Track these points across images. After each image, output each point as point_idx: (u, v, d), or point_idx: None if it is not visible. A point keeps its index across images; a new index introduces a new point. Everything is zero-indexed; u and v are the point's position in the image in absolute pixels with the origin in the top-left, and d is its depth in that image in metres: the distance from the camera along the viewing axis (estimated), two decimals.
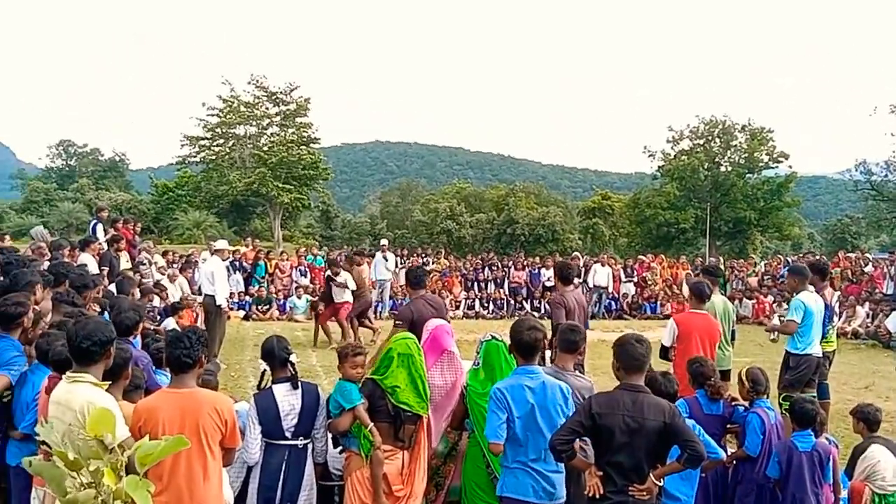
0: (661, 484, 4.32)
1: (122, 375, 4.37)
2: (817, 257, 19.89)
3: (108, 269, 10.95)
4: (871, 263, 19.95)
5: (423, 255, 24.47)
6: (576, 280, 8.77)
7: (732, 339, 8.37)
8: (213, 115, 49.91)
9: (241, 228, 57.49)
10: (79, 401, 3.80)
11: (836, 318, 9.03)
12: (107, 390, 4.18)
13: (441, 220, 57.67)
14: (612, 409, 4.24)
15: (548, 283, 21.70)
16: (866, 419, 6.34)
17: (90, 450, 2.23)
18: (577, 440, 4.36)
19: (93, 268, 10.29)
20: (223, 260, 12.78)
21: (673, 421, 4.21)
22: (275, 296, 19.83)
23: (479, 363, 5.52)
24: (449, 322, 7.06)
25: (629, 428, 4.19)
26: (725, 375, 7.42)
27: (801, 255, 31.20)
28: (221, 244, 13.23)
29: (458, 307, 20.82)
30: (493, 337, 5.56)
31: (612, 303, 21.93)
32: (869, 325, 16.26)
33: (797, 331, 7.85)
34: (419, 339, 5.72)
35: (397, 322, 7.39)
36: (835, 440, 5.65)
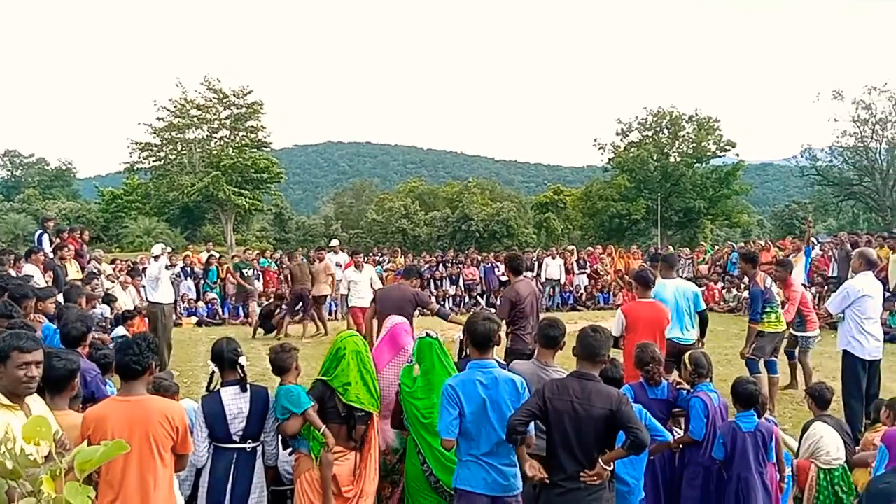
0: (610, 469, 4.41)
1: (67, 387, 4.32)
2: (751, 246, 20.44)
3: (52, 278, 10.76)
4: (817, 247, 20.33)
5: (379, 255, 24.41)
6: (528, 273, 9.02)
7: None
8: (162, 119, 49.27)
9: (192, 234, 56.91)
10: None
11: (776, 300, 9.36)
12: (52, 401, 4.16)
13: (396, 220, 57.65)
14: (561, 394, 4.36)
15: (503, 279, 21.91)
16: (814, 396, 6.58)
17: (26, 458, 2.22)
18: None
19: (38, 278, 10.13)
20: (165, 265, 12.62)
21: (619, 408, 4.31)
22: (229, 300, 19.65)
23: (411, 360, 5.56)
24: (414, 310, 7.81)
25: (577, 414, 4.31)
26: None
27: (748, 241, 31.82)
28: (157, 249, 13.09)
29: None
30: (428, 334, 5.59)
31: (570, 295, 22.15)
32: (816, 308, 16.68)
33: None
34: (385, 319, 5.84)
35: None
36: (774, 420, 5.79)
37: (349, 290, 14.67)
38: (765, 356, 9.28)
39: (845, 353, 7.97)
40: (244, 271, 19.09)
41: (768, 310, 9.16)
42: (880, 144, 49.87)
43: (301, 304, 16.06)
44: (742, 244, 24.57)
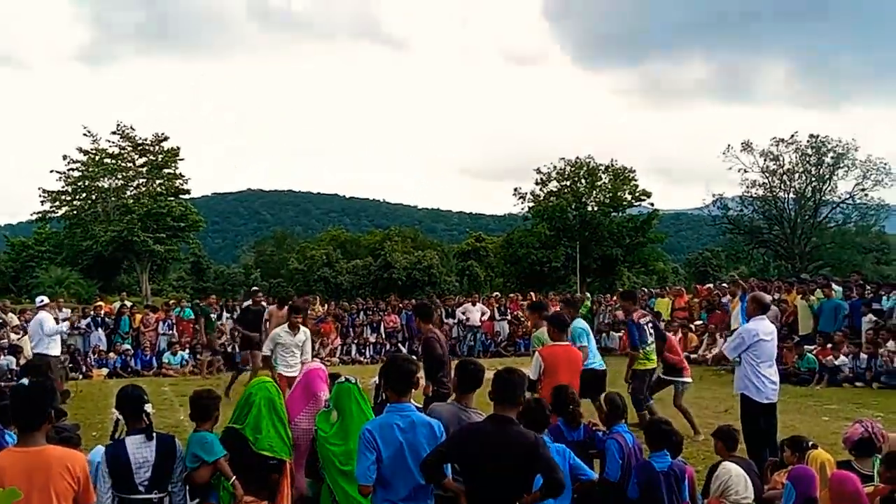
0: None
1: None
2: (668, 291, 21.17)
3: None
4: (728, 293, 20.93)
5: None
6: (449, 320, 9.07)
7: None
8: (74, 169, 48.09)
9: (107, 284, 55.22)
10: None
11: (649, 339, 9.87)
12: None
13: (318, 268, 57.31)
14: (478, 437, 4.29)
15: None
16: (723, 437, 6.68)
17: None
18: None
19: None
20: (52, 315, 12.39)
21: (535, 451, 4.25)
22: (142, 351, 19.10)
23: (328, 405, 5.47)
24: None
25: (494, 458, 4.23)
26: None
27: (664, 287, 32.72)
28: (41, 299, 12.94)
29: (334, 354, 20.60)
30: (347, 380, 5.51)
31: (491, 342, 22.23)
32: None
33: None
34: None
35: None
36: (683, 461, 5.87)
37: (273, 352, 10.08)
38: (642, 394, 9.68)
39: (743, 396, 8.15)
40: (211, 315, 19.26)
41: (648, 347, 9.58)
42: (788, 195, 52.41)
43: None
44: (661, 289, 25.26)
